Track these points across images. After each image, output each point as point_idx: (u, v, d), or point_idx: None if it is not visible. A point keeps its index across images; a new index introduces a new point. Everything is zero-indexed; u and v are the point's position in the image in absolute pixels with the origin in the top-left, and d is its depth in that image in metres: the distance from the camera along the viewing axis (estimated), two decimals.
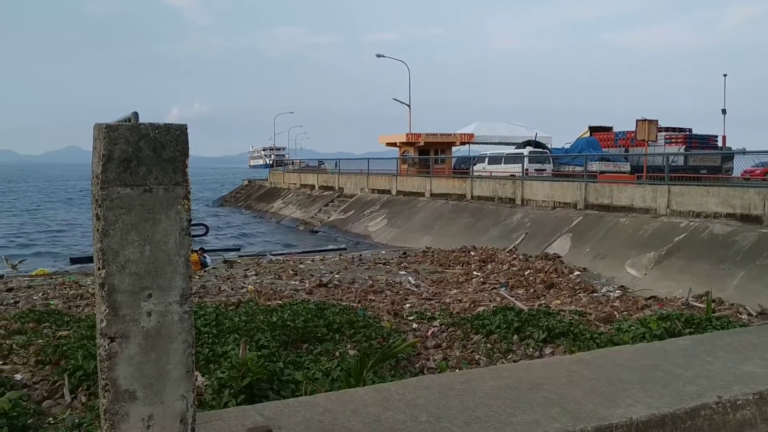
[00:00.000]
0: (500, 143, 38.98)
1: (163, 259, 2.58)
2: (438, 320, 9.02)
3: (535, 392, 3.89)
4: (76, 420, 4.97)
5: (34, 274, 15.47)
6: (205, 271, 15.26)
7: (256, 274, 14.70)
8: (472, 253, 17.30)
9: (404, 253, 18.53)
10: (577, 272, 14.33)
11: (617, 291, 12.61)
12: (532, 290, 12.54)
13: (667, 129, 31.91)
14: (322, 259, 17.55)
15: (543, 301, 11.29)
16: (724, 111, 42.43)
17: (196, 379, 3.80)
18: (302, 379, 5.54)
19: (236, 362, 5.32)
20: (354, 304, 10.24)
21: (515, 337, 7.62)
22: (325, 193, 35.95)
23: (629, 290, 12.68)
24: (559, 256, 15.89)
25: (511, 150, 31.90)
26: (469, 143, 39.25)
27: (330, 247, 22.74)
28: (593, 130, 36.13)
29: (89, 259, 18.14)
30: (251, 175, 73.84)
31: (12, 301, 11.16)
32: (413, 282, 13.44)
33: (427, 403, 3.73)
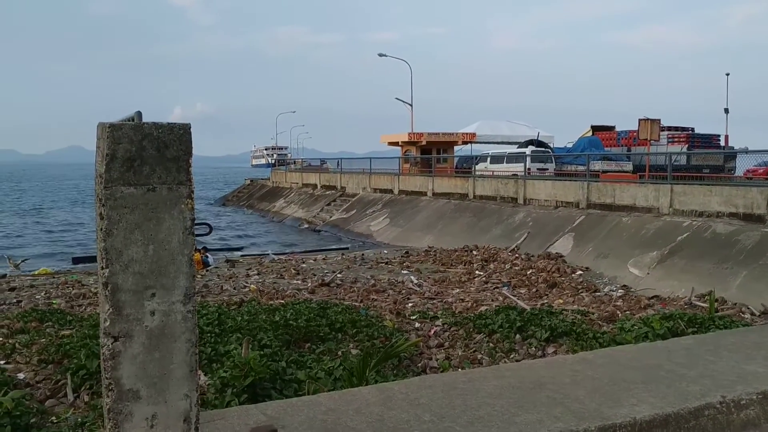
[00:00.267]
0: (502, 143, 38.97)
1: (167, 259, 2.58)
2: (440, 319, 9.01)
3: (538, 392, 3.88)
4: (79, 419, 4.97)
5: (36, 273, 15.48)
6: (207, 271, 15.27)
7: (258, 274, 14.71)
8: (475, 252, 17.28)
9: (406, 252, 18.52)
10: (580, 271, 14.31)
11: (620, 290, 12.59)
12: (534, 290, 12.53)
13: (669, 128, 31.88)
14: (324, 259, 17.55)
15: (545, 301, 11.27)
16: (726, 110, 42.39)
17: (199, 379, 3.80)
18: (305, 379, 5.55)
19: (239, 361, 5.32)
20: (356, 304, 10.24)
21: (518, 336, 7.62)
22: (327, 193, 35.94)
23: (632, 290, 12.66)
24: (561, 256, 15.87)
25: (514, 149, 31.89)
26: (471, 143, 39.25)
27: (332, 246, 22.74)
28: (595, 129, 36.12)
29: (91, 259, 18.16)
30: (253, 175, 73.84)
31: (15, 300, 11.17)
32: (415, 281, 13.43)
33: (430, 402, 3.73)
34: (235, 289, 12.36)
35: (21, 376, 6.21)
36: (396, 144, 38.20)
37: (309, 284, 12.85)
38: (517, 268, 14.96)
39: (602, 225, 16.61)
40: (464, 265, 15.77)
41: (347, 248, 21.53)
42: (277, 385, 5.32)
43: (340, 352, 6.81)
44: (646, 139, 23.12)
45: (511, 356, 7.14)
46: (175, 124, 2.58)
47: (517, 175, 23.80)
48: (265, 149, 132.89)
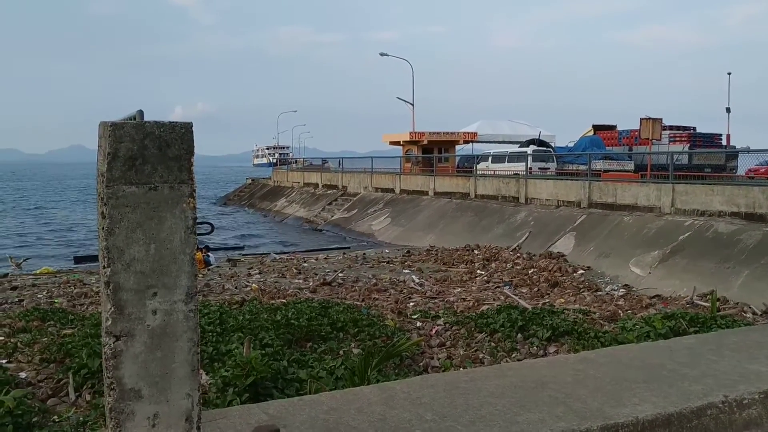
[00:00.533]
0: (503, 142, 38.95)
1: (169, 258, 2.58)
2: (442, 319, 9.00)
3: (540, 391, 3.88)
4: (81, 418, 4.97)
5: (38, 272, 15.49)
6: (209, 270, 15.27)
7: (259, 273, 14.71)
8: (476, 251, 17.28)
9: (408, 251, 18.52)
10: (581, 271, 14.30)
11: (621, 290, 12.58)
12: (535, 289, 12.52)
13: (671, 127, 31.83)
14: (325, 258, 17.55)
15: (547, 300, 11.27)
16: (728, 109, 42.34)
17: (201, 378, 3.80)
18: (306, 378, 5.54)
19: (240, 361, 5.32)
20: (358, 303, 10.23)
21: (519, 335, 7.61)
22: (329, 192, 35.94)
23: (633, 289, 12.65)
24: (563, 255, 15.86)
25: (515, 148, 31.86)
26: (472, 142, 39.21)
27: (334, 245, 22.74)
28: (597, 128, 36.09)
29: (92, 259, 18.17)
30: (255, 174, 73.86)
31: (16, 299, 11.17)
32: (417, 281, 13.43)
33: (432, 401, 3.72)
34: (236, 288, 12.37)
35: (23, 375, 6.22)
36: (397, 143, 38.19)
37: (310, 283, 12.85)
38: (518, 267, 14.95)
39: (604, 224, 16.60)
40: (466, 264, 15.76)
41: (349, 248, 21.53)
42: (279, 385, 5.32)
43: (341, 352, 6.81)
44: (648, 139, 23.10)
45: (513, 355, 7.14)
46: (176, 123, 2.58)
47: (518, 174, 23.78)
48: (267, 148, 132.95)
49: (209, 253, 17.25)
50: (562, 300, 11.28)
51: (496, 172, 26.51)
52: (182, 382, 2.63)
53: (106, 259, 2.50)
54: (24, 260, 17.97)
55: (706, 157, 28.11)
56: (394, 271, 14.92)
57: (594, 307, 10.30)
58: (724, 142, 33.88)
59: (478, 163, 29.46)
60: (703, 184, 15.69)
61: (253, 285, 12.57)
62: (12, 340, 7.41)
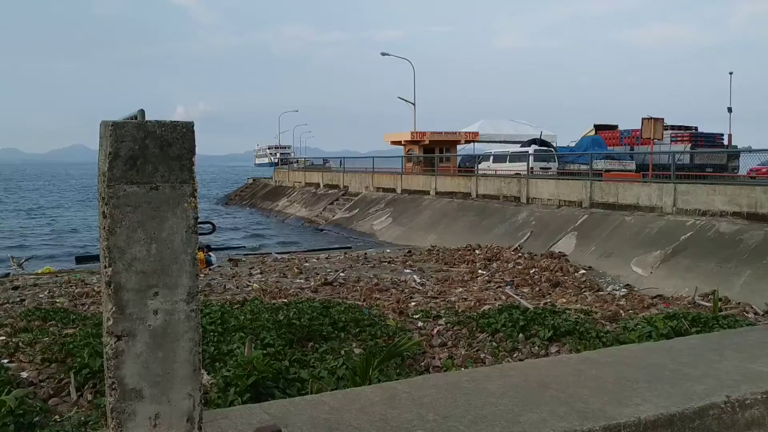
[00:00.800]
0: (505, 141, 38.93)
1: (170, 258, 2.57)
2: (443, 319, 9.00)
3: (542, 391, 3.87)
4: (82, 418, 4.98)
5: (39, 272, 15.51)
6: (210, 270, 15.28)
7: (261, 273, 14.72)
8: (477, 251, 17.27)
9: (409, 251, 18.52)
10: (583, 271, 14.29)
11: (623, 289, 12.57)
12: (537, 289, 12.52)
13: (672, 127, 31.82)
14: (327, 258, 17.56)
15: (548, 300, 11.26)
16: (730, 109, 42.28)
17: (202, 378, 3.80)
18: (308, 378, 5.54)
19: (242, 361, 5.32)
20: (359, 303, 10.23)
21: (521, 335, 7.60)
22: (330, 192, 35.94)
23: (635, 289, 12.64)
24: (564, 255, 15.85)
25: (516, 148, 31.84)
26: (473, 141, 39.20)
27: (335, 245, 22.74)
28: (598, 128, 36.09)
29: (94, 259, 18.18)
30: (256, 174, 73.87)
31: (18, 299, 11.19)
32: (418, 280, 13.42)
33: (434, 401, 3.71)
34: (238, 288, 12.37)
35: (24, 374, 6.22)
36: (399, 143, 38.18)
37: (312, 283, 12.85)
38: (520, 267, 14.94)
39: (605, 224, 16.59)
40: (467, 264, 15.76)
41: (350, 247, 21.53)
42: (280, 385, 5.32)
43: (343, 352, 6.80)
44: (650, 138, 23.08)
45: (515, 355, 7.13)
46: (178, 122, 2.57)
47: (520, 174, 23.78)
48: (268, 148, 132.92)
49: (210, 253, 17.26)
50: (564, 300, 11.27)
51: (498, 172, 26.50)
52: (184, 382, 2.62)
53: (107, 259, 2.49)
54: (26, 260, 18.00)
55: (708, 156, 28.10)
56: (396, 271, 14.92)
57: (596, 307, 10.29)
58: (725, 142, 33.85)
59: (479, 162, 29.45)
60: (704, 183, 15.68)
61: (255, 285, 12.57)
62: (14, 340, 7.42)
